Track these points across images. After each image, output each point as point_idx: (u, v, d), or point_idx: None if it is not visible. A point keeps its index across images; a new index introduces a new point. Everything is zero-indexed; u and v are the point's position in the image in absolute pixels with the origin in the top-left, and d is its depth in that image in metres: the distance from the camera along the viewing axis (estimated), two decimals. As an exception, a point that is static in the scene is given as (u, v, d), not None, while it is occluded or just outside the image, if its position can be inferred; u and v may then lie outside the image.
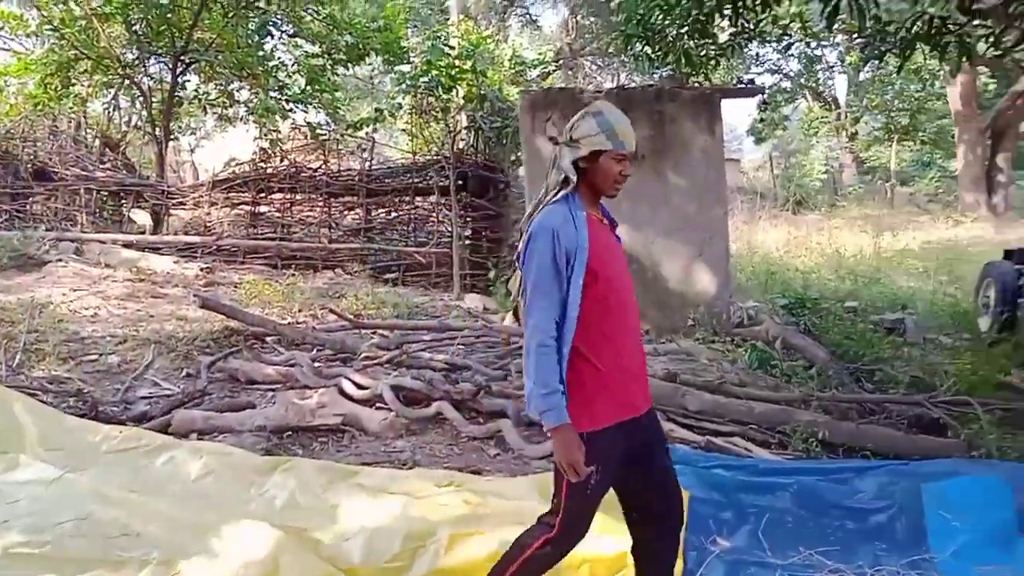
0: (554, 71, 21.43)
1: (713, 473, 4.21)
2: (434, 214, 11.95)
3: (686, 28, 7.45)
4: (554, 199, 2.58)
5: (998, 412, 5.48)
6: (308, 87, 14.58)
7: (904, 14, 7.22)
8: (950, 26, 6.28)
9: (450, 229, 11.19)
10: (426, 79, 10.59)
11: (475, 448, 4.95)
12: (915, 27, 6.33)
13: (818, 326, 7.96)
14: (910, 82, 23.50)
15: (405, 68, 13.58)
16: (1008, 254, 8.44)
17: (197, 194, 13.37)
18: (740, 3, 6.07)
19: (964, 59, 6.37)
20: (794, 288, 9.64)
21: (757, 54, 22.96)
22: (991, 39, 6.41)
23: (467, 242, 11.44)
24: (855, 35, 9.09)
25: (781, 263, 12.58)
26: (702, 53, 8.10)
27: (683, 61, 7.68)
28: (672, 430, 4.93)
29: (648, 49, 7.82)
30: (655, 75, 9.01)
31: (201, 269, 10.75)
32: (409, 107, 12.08)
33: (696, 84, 8.58)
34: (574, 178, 2.58)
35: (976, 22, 6.47)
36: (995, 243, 13.49)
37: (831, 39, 19.56)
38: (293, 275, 10.64)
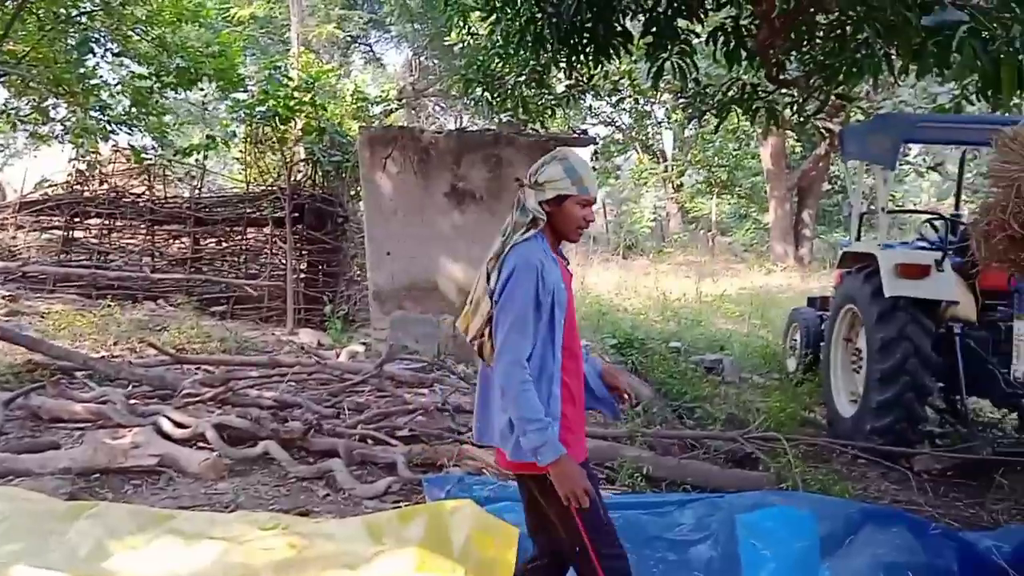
0: (397, 109, 21.50)
1: (543, 509, 4.27)
2: (268, 246, 11.57)
3: (524, 77, 7.74)
4: (523, 237, 2.56)
5: (803, 447, 5.95)
6: (133, 109, 13.80)
7: (721, 79, 7.84)
8: (760, 93, 6.88)
9: (284, 262, 10.87)
10: (262, 108, 10.32)
11: (304, 489, 4.78)
12: (730, 92, 6.89)
13: (644, 365, 8.32)
14: (728, 141, 25.38)
15: (241, 96, 13.16)
16: (811, 301, 9.18)
17: (2, 216, 12.26)
18: (574, 57, 6.37)
19: (772, 123, 6.99)
20: (623, 328, 10.05)
21: (591, 106, 24.04)
22: (795, 107, 7.09)
23: (302, 275, 11.16)
24: (679, 95, 9.76)
25: (612, 304, 13.11)
26: (539, 102, 8.43)
27: (521, 108, 7.95)
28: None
29: (488, 94, 8.05)
30: (496, 119, 9.26)
31: (2, 297, 9.83)
32: (244, 136, 11.71)
33: (533, 131, 8.88)
34: (543, 219, 2.57)
35: (783, 91, 7.12)
36: (801, 291, 14.72)
37: (658, 97, 20.84)
38: (109, 306, 9.94)
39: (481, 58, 8.12)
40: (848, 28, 5.40)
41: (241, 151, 12.48)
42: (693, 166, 27.90)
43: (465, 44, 10.33)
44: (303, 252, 11.27)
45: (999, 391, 5.84)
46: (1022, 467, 5.72)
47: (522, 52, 6.91)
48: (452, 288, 8.26)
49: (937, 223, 6.88)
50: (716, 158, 26.65)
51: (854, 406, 6.41)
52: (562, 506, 2.47)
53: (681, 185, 28.61)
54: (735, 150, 26.26)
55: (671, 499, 4.60)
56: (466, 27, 8.89)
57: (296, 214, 10.83)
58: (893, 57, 5.31)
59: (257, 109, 10.54)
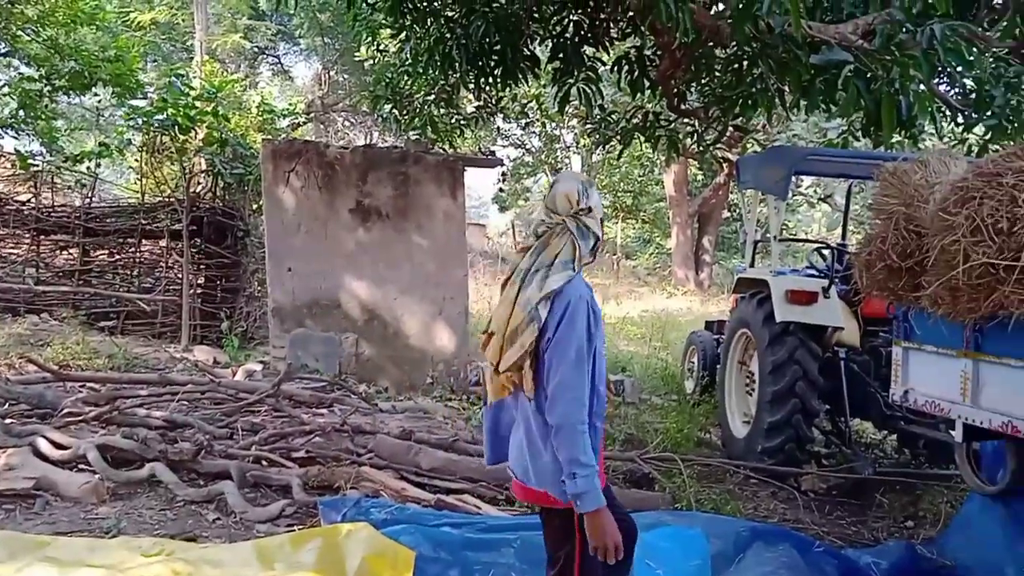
0: (305, 123, 21.15)
1: (441, 531, 4.23)
2: (164, 259, 11.14)
3: (433, 96, 7.76)
4: (570, 266, 2.53)
5: (698, 467, 6.09)
6: (21, 112, 13.12)
7: (625, 106, 8.05)
8: (662, 121, 7.09)
9: (180, 276, 10.49)
10: (161, 117, 9.98)
11: (192, 513, 4.59)
12: (633, 119, 7.07)
13: (548, 385, 8.36)
14: (633, 167, 26.00)
15: (139, 103, 12.70)
16: (708, 325, 9.45)
17: None
18: (483, 79, 6.42)
19: (673, 151, 7.21)
20: (527, 349, 10.08)
21: (500, 128, 24.25)
22: (695, 136, 7.33)
23: (199, 290, 10.79)
24: (586, 120, 9.96)
25: (518, 325, 13.15)
26: (448, 121, 8.45)
27: (429, 127, 7.95)
28: (404, 488, 4.92)
29: (396, 112, 8.02)
30: (406, 136, 9.23)
31: None
32: (141, 144, 11.28)
33: (443, 150, 8.89)
34: (601, 244, 2.60)
35: (684, 120, 7.35)
36: (700, 314, 15.14)
37: (566, 122, 21.19)
38: (-13, 319, 9.38)
39: (390, 75, 8.09)
40: (744, 63, 5.62)
41: (137, 160, 12.00)
42: (600, 191, 28.33)
43: (375, 60, 10.27)
44: (201, 266, 10.91)
45: (880, 413, 6.11)
46: (901, 486, 6.02)
47: (431, 71, 6.93)
48: (355, 306, 8.14)
49: (825, 252, 7.19)
50: (622, 183, 27.26)
51: (747, 427, 6.60)
52: (569, 550, 2.54)
53: (588, 209, 29.07)
54: (640, 176, 26.92)
55: (569, 519, 4.62)
56: (375, 44, 8.84)
57: (194, 227, 10.48)
58: (785, 92, 5.56)
59: (155, 117, 10.17)
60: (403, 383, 8.14)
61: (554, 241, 2.56)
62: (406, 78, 7.76)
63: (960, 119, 5.88)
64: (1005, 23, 5.20)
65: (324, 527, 4.11)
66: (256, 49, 26.23)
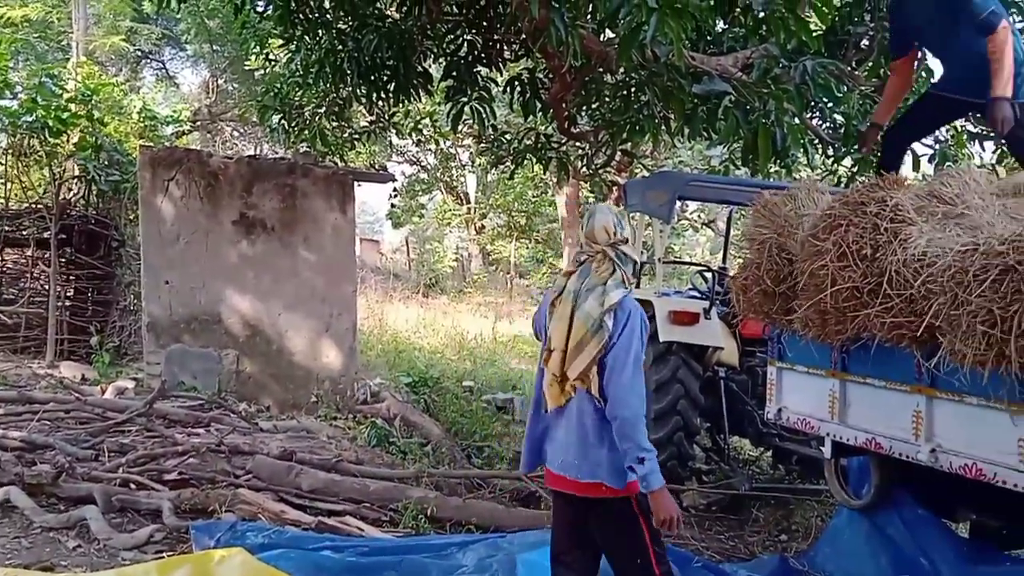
0: (190, 132, 20.37)
1: (322, 555, 4.11)
2: (29, 269, 10.47)
3: (324, 109, 7.62)
4: (623, 286, 2.89)
5: (584, 485, 6.14)
6: None
7: (519, 127, 8.14)
8: (553, 143, 7.20)
9: (47, 287, 9.88)
10: (29, 118, 9.41)
11: (50, 540, 4.32)
12: (525, 140, 7.15)
13: (437, 404, 8.32)
14: (527, 188, 26.29)
15: (7, 103, 11.92)
16: (597, 344, 9.58)
17: None
18: (375, 93, 6.35)
19: (563, 173, 7.33)
20: (418, 367, 10.02)
21: (394, 144, 24.06)
22: (585, 159, 7.47)
23: (68, 303, 10.18)
24: (480, 139, 10.01)
25: (409, 342, 13.05)
26: (340, 135, 8.32)
27: (319, 140, 7.81)
28: (284, 511, 4.76)
29: (285, 123, 7.84)
30: (294, 149, 9.03)
31: None
32: (6, 147, 10.59)
33: (333, 163, 8.73)
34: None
35: (576, 143, 7.49)
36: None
37: (461, 140, 21.22)
38: None
39: (279, 85, 7.90)
40: (632, 89, 5.78)
41: (2, 163, 11.26)
42: (494, 210, 28.62)
43: (265, 70, 10.02)
44: (70, 277, 10.31)
45: (756, 431, 6.35)
46: (775, 501, 6.26)
47: (321, 83, 6.80)
48: (237, 321, 7.85)
49: (707, 275, 7.43)
50: (516, 203, 27.50)
51: (632, 445, 6.71)
52: (635, 525, 2.89)
53: (483, 227, 29.23)
54: (533, 197, 27.24)
55: (454, 540, 4.58)
56: (264, 53, 8.61)
57: (64, 236, 9.90)
58: (670, 119, 5.74)
59: (23, 118, 9.58)
60: (286, 402, 7.90)
61: (597, 266, 2.95)
62: (296, 89, 7.60)
63: (830, 151, 6.23)
64: (871, 63, 5.57)
65: (196, 553, 3.94)
66: (139, 53, 25.14)
